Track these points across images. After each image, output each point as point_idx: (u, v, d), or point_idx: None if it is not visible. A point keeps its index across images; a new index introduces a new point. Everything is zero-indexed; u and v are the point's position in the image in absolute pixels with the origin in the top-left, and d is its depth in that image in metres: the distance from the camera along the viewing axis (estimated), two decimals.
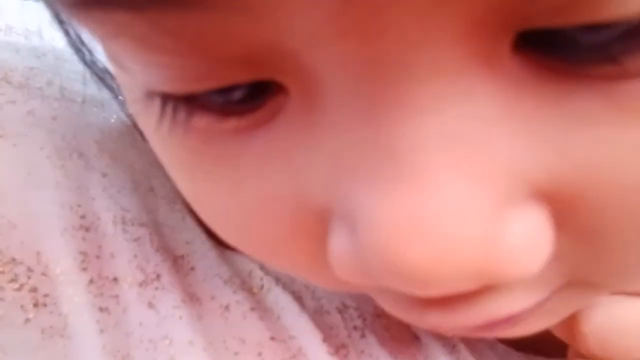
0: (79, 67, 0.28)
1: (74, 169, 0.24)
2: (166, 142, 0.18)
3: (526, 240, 0.14)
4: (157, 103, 0.16)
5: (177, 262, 0.25)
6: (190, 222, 0.26)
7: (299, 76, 0.14)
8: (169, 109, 0.16)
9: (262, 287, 0.25)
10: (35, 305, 0.22)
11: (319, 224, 0.16)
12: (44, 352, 0.21)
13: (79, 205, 0.24)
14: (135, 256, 0.23)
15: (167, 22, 0.13)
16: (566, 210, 0.15)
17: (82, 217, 0.24)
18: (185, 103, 0.16)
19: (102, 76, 0.25)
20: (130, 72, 0.16)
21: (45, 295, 0.22)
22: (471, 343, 0.27)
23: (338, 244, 0.16)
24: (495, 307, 0.17)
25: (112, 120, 0.27)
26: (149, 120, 0.17)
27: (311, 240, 0.17)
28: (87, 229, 0.23)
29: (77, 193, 0.24)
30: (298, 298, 0.25)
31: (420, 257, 0.14)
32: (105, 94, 0.27)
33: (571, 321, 0.22)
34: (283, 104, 0.15)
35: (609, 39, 0.13)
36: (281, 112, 0.15)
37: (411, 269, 0.14)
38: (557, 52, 0.13)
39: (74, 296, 0.22)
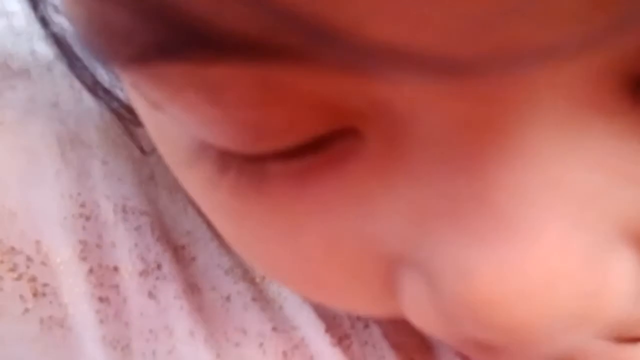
0: (81, 51, 0.27)
1: (74, 157, 0.24)
2: (213, 192, 0.16)
3: (623, 286, 0.14)
4: (212, 160, 0.15)
5: (178, 252, 0.24)
6: (191, 212, 0.25)
7: (383, 122, 0.13)
8: (232, 168, 0.14)
9: (264, 277, 0.24)
10: (35, 295, 0.22)
11: (383, 270, 0.15)
12: (43, 343, 0.21)
13: (79, 194, 0.23)
14: (136, 245, 0.23)
15: (249, 75, 0.11)
16: None
17: (82, 205, 0.23)
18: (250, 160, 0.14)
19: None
20: (178, 122, 0.14)
21: (45, 285, 0.22)
22: None
23: (414, 296, 0.15)
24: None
25: (115, 106, 0.27)
26: (198, 175, 0.15)
27: (374, 285, 0.16)
28: (87, 218, 0.23)
29: (77, 181, 0.24)
30: None
31: (519, 313, 0.13)
32: (107, 79, 0.26)
33: None
34: (355, 146, 0.14)
35: None
36: (351, 155, 0.14)
37: (510, 325, 0.13)
38: None
39: (73, 286, 0.22)
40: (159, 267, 0.23)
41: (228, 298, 0.24)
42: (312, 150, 0.14)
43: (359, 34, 0.10)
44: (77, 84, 0.26)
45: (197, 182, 0.16)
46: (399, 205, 0.14)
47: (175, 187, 0.26)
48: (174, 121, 0.14)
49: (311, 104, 0.12)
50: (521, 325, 0.13)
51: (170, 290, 0.23)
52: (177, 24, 0.10)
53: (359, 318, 0.24)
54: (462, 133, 0.12)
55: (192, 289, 0.23)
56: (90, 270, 0.22)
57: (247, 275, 0.25)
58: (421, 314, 0.15)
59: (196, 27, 0.10)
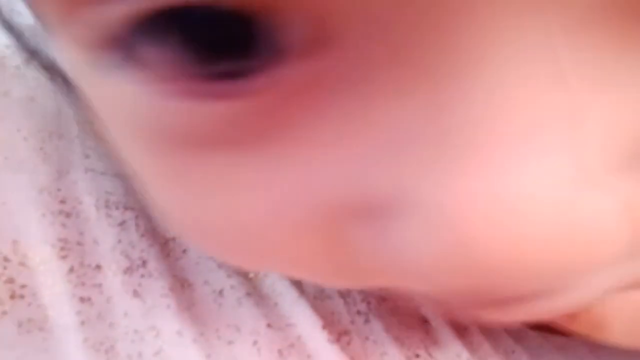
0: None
1: (54, 151, 0.23)
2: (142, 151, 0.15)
3: (604, 224, 0.12)
4: (152, 107, 0.13)
5: (168, 245, 0.23)
6: None
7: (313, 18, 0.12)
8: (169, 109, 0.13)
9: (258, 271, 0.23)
10: (12, 297, 0.20)
11: (331, 225, 0.14)
12: (21, 347, 0.20)
13: (58, 190, 0.22)
14: (120, 242, 0.22)
15: None
16: None
17: (62, 201, 0.22)
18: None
19: None
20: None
21: (23, 287, 0.21)
22: (484, 325, 0.25)
23: (372, 246, 0.14)
24: (569, 299, 0.15)
25: None
26: (139, 131, 0.14)
27: (320, 244, 0.15)
28: (68, 215, 0.22)
29: (57, 177, 0.23)
30: (297, 282, 0.23)
31: (510, 251, 0.12)
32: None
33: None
34: (280, 71, 0.12)
35: None
36: (279, 82, 0.12)
37: (508, 250, 0.12)
38: None
39: (53, 286, 0.21)
40: (144, 264, 0.22)
41: (221, 293, 0.23)
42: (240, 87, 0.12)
43: None
44: (57, 76, 0.25)
45: (137, 142, 0.15)
46: (348, 147, 0.13)
47: None
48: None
49: None
50: (503, 262, 0.12)
51: (157, 288, 0.21)
52: None
53: (359, 312, 0.23)
54: (411, 38, 0.11)
55: (183, 284, 0.22)
56: (71, 270, 0.21)
57: (240, 270, 0.23)
58: (381, 268, 0.14)
59: None
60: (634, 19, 0.11)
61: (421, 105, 0.12)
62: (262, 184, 0.14)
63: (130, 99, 0.14)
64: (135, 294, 0.21)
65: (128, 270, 0.21)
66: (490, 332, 0.25)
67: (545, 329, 0.26)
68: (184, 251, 0.23)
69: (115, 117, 0.15)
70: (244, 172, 0.14)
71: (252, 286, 0.23)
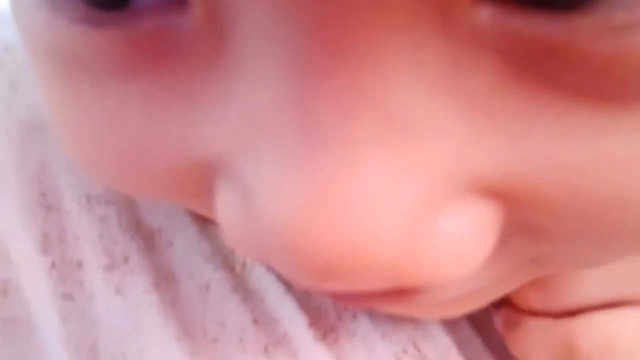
0: None
1: (35, 144, 0.22)
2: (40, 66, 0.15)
3: (458, 241, 0.12)
4: (42, 15, 0.13)
5: (154, 237, 0.23)
6: None
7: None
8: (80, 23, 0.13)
9: (244, 265, 0.23)
10: None
11: (200, 173, 0.14)
12: (4, 344, 0.20)
13: (40, 182, 0.22)
14: (101, 237, 0.21)
15: None
16: (518, 208, 0.12)
17: (43, 195, 0.22)
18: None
19: None
20: None
21: (7, 281, 0.20)
22: (474, 319, 0.24)
23: (228, 207, 0.14)
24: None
25: None
26: (35, 44, 0.14)
27: (190, 186, 0.15)
28: (49, 208, 0.21)
29: (39, 170, 0.22)
30: (283, 278, 0.23)
31: (328, 241, 0.11)
32: None
33: (562, 342, 0.20)
34: (178, 23, 0.12)
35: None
36: (180, 38, 0.13)
37: (315, 255, 0.12)
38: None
39: (36, 282, 0.20)
40: (126, 260, 0.21)
41: (207, 287, 0.22)
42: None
43: None
44: None
45: (35, 57, 0.15)
46: (224, 108, 0.13)
47: None
48: None
49: None
50: (322, 254, 0.12)
51: (139, 285, 0.21)
52: None
53: (346, 309, 0.22)
54: (289, 31, 0.11)
55: (167, 278, 0.22)
56: (53, 265, 0.21)
57: (226, 264, 0.23)
58: (230, 227, 0.14)
59: None
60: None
61: (283, 99, 0.12)
62: (140, 119, 0.14)
63: (36, 22, 0.14)
64: (117, 291, 0.21)
65: (109, 267, 0.21)
66: (481, 328, 0.24)
67: None
68: (170, 244, 0.23)
69: (29, 44, 0.15)
70: (124, 104, 0.14)
71: (238, 280, 0.22)
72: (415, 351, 0.22)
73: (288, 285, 0.22)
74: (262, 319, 0.22)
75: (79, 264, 0.21)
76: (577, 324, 0.20)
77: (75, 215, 0.22)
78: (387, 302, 0.15)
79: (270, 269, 0.23)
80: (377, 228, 0.11)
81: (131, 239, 0.22)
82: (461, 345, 0.23)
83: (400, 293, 0.13)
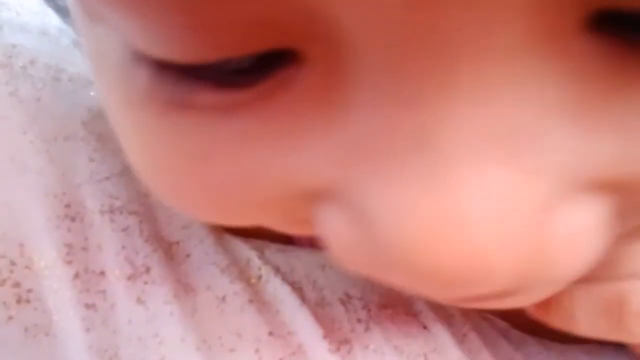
0: (66, 42, 0.26)
1: (59, 154, 0.23)
2: (138, 110, 0.15)
3: (578, 238, 0.13)
4: (145, 72, 0.14)
5: (172, 249, 0.23)
6: None
7: (327, 44, 0.12)
8: (164, 81, 0.14)
9: (260, 277, 0.23)
10: (19, 301, 0.21)
11: (302, 201, 0.15)
12: (27, 352, 0.20)
13: (64, 193, 0.22)
14: (124, 247, 0.22)
15: None
16: (629, 194, 0.13)
17: (67, 205, 0.22)
18: (183, 73, 0.14)
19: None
20: (112, 28, 0.13)
21: (29, 291, 0.21)
22: (483, 331, 0.25)
23: (336, 228, 0.14)
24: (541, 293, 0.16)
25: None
26: (128, 89, 0.15)
27: (289, 214, 0.15)
28: (73, 219, 0.22)
29: (62, 180, 0.23)
30: (298, 289, 0.23)
31: (456, 257, 0.12)
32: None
33: (611, 301, 0.21)
34: (292, 76, 0.13)
35: None
36: (287, 86, 0.13)
37: (444, 270, 0.12)
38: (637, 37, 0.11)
39: (59, 291, 0.21)
40: (147, 270, 0.22)
41: (224, 299, 0.23)
42: (249, 81, 0.13)
43: None
44: (62, 77, 0.25)
45: (124, 99, 0.15)
46: (332, 139, 0.13)
47: None
48: (111, 31, 0.14)
49: (247, 16, 0.12)
50: (450, 270, 0.12)
51: (160, 295, 0.22)
52: None
53: (359, 320, 0.23)
54: (406, 63, 0.11)
55: (186, 289, 0.22)
56: (76, 275, 0.21)
57: (242, 276, 0.23)
58: (340, 246, 0.15)
59: None
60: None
61: (398, 124, 0.12)
62: (239, 155, 0.14)
63: (134, 75, 0.14)
64: (139, 300, 0.21)
65: (132, 277, 0.22)
66: (490, 340, 0.25)
67: (545, 335, 0.27)
68: (187, 255, 0.23)
69: (103, 65, 0.16)
70: (225, 141, 0.14)
71: (254, 292, 0.23)
72: None
73: (303, 298, 0.23)
74: (277, 331, 0.22)
75: (102, 274, 0.21)
76: (628, 284, 0.21)
77: (98, 225, 0.22)
78: (501, 301, 0.16)
79: (285, 280, 0.23)
80: (503, 238, 0.12)
81: (152, 250, 0.22)
82: (471, 357, 0.24)
83: (516, 291, 0.14)
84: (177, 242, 0.23)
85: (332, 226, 0.15)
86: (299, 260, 0.24)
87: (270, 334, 0.22)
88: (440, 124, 0.12)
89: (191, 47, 0.13)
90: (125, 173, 0.24)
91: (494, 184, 0.12)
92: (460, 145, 0.12)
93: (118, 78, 0.15)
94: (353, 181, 0.13)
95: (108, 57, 0.15)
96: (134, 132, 0.16)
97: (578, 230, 0.13)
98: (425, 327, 0.24)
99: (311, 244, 0.25)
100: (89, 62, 0.17)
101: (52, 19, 0.26)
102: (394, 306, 0.24)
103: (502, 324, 0.26)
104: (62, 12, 0.28)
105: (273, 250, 0.24)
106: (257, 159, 0.14)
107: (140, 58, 0.14)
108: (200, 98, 0.14)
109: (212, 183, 0.15)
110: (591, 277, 0.21)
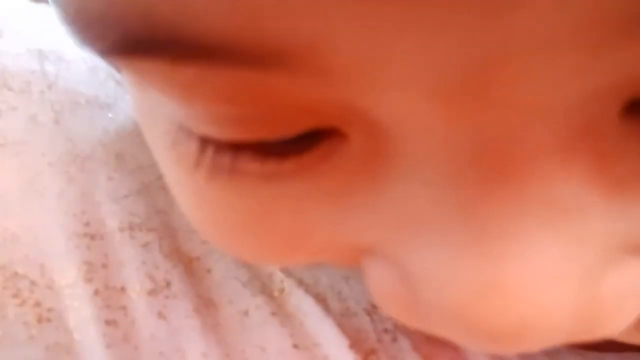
0: (83, 66, 0.26)
1: (78, 174, 0.23)
2: (187, 176, 0.16)
3: (622, 299, 0.14)
4: (194, 143, 0.14)
5: (193, 265, 0.23)
6: None
7: (367, 127, 0.13)
8: (210, 151, 0.14)
9: (282, 290, 0.23)
10: (39, 320, 0.21)
11: (349, 255, 0.16)
12: None
13: (83, 212, 0.22)
14: (144, 263, 0.22)
15: (226, 75, 0.12)
16: None
17: (87, 224, 0.22)
18: (228, 145, 0.14)
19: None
20: (163, 105, 0.14)
21: (50, 310, 0.21)
22: None
23: (381, 281, 0.15)
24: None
25: (120, 119, 0.26)
26: (178, 155, 0.15)
27: (334, 256, 0.16)
28: (92, 237, 0.22)
29: (82, 199, 0.23)
30: (322, 300, 0.23)
31: (503, 322, 0.13)
32: (110, 93, 0.25)
33: None
34: (337, 147, 0.14)
35: None
36: (334, 153, 0.14)
37: (489, 334, 0.13)
38: None
39: (79, 310, 0.21)
40: (168, 285, 0.22)
41: (246, 313, 0.22)
42: (293, 153, 0.14)
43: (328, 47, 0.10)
44: (80, 100, 0.25)
45: (175, 161, 0.16)
46: (378, 205, 0.14)
47: None
48: (158, 102, 0.15)
49: (289, 105, 0.12)
50: (499, 339, 0.13)
51: (181, 310, 0.21)
52: (146, 22, 0.11)
53: (386, 330, 0.22)
54: (451, 153, 0.12)
55: (207, 304, 0.22)
56: (96, 292, 0.21)
57: (265, 289, 0.23)
58: (385, 297, 0.15)
59: (166, 27, 0.10)
60: None
61: (447, 196, 0.13)
62: (287, 216, 0.15)
63: (188, 149, 0.15)
64: (160, 315, 0.21)
65: (152, 292, 0.21)
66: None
67: (580, 346, 0.26)
68: (208, 271, 0.23)
69: (153, 128, 0.16)
70: (272, 203, 0.15)
71: (276, 305, 0.23)
72: None
73: (327, 309, 0.22)
74: (302, 343, 0.22)
75: (122, 290, 0.21)
76: None
77: (118, 242, 0.22)
78: None
79: (309, 292, 0.23)
80: (551, 306, 0.13)
81: (173, 265, 0.22)
82: None
83: None
84: (198, 258, 0.23)
85: (378, 279, 0.15)
86: (322, 272, 0.24)
87: (295, 346, 0.21)
88: (487, 200, 0.12)
89: (234, 130, 0.13)
90: (144, 191, 0.24)
91: (544, 255, 0.12)
92: (505, 217, 0.12)
93: (168, 143, 0.15)
94: (400, 243, 0.14)
95: (158, 122, 0.15)
96: (187, 191, 0.16)
97: (625, 289, 0.14)
98: None
99: None
100: (136, 117, 0.17)
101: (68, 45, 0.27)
102: None
103: None
104: None
105: None
106: (305, 219, 0.15)
107: (186, 129, 0.14)
108: (244, 167, 0.14)
109: (264, 238, 0.16)
110: None
